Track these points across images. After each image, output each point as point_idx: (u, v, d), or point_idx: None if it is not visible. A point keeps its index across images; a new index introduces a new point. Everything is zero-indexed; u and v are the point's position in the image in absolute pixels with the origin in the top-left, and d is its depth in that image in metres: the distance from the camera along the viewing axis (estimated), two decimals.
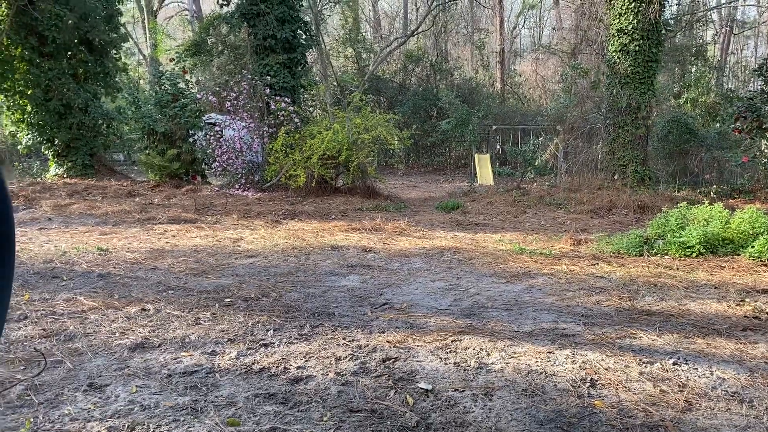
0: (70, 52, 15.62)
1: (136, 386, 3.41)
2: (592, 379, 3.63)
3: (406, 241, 8.39)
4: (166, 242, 8.18)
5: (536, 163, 18.47)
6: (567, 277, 6.31)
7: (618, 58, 14.53)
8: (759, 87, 16.01)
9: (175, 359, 3.86)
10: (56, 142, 15.94)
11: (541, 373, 3.70)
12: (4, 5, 14.90)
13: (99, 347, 4.04)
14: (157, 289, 5.68)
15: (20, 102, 15.70)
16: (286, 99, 13.51)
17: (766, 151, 15.35)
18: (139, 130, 15.22)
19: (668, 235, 7.57)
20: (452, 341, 4.25)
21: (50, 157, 16.41)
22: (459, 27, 38.29)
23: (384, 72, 30.54)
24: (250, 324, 4.59)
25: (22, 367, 3.63)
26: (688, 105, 22.21)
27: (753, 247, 6.98)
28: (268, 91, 13.69)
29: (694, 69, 25.29)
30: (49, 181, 15.27)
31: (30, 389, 3.32)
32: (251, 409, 3.15)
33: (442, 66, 29.63)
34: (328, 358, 3.91)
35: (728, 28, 27.07)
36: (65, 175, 15.81)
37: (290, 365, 3.78)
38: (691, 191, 14.35)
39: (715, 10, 25.00)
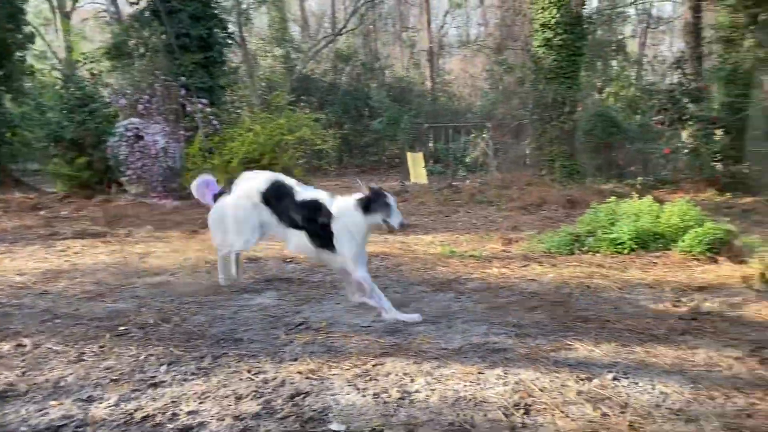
0: None
1: None
2: (526, 404, 3.24)
3: None
4: (66, 260, 7.37)
5: (467, 160, 18.33)
6: (498, 281, 5.97)
7: (542, 53, 14.42)
8: (677, 80, 16.40)
9: (40, 411, 3.22)
10: None
11: (470, 401, 3.29)
12: None
13: None
14: (42, 318, 4.96)
15: None
16: (203, 100, 12.72)
17: (686, 142, 15.69)
18: (44, 138, 14.05)
19: (599, 232, 7.38)
20: (374, 366, 3.79)
21: None
22: (387, 26, 37.99)
23: (314, 72, 29.93)
24: (141, 358, 3.98)
25: None
26: (611, 99, 22.65)
27: (683, 241, 6.85)
28: (183, 92, 12.85)
29: (615, 63, 25.84)
30: None
31: None
32: None
33: (372, 65, 29.25)
34: (227, 397, 3.37)
35: (645, 24, 27.90)
36: None
37: (180, 410, 3.21)
38: (618, 184, 14.46)
39: (632, 6, 25.67)
